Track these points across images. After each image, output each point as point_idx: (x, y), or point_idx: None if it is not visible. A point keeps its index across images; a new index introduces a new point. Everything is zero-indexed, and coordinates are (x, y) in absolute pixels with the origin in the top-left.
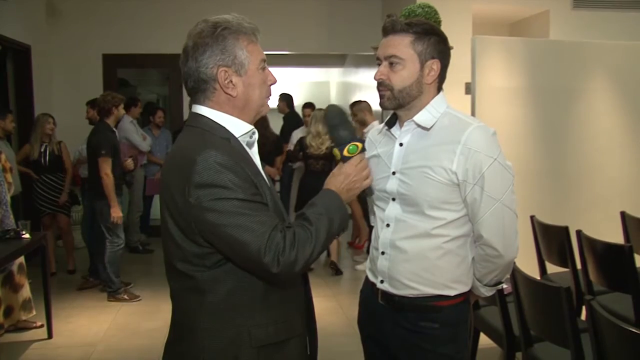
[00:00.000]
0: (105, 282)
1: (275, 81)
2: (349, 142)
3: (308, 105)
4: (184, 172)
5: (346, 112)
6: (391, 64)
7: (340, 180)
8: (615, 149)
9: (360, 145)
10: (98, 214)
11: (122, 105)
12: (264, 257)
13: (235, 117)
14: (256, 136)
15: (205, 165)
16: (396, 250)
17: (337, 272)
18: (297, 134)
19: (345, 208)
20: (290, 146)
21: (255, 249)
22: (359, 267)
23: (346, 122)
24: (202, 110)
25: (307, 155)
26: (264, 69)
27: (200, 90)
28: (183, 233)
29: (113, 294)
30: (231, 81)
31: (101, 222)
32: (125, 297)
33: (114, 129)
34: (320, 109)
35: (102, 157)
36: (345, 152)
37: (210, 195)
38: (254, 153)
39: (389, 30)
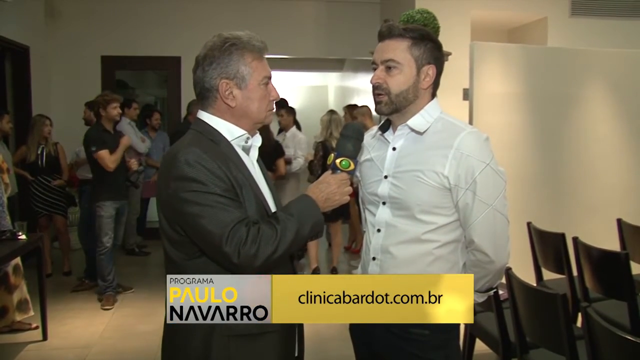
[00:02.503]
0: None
1: (278, 97)
2: (348, 157)
3: (282, 106)
4: (168, 167)
5: (362, 134)
6: (388, 68)
7: (321, 188)
8: (612, 156)
9: (353, 165)
10: (94, 215)
11: (112, 106)
12: (225, 246)
13: (232, 124)
14: (253, 141)
15: (183, 161)
16: (387, 255)
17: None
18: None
19: (319, 214)
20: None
21: (217, 238)
22: (356, 271)
23: (358, 141)
24: (203, 115)
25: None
26: (266, 84)
27: (204, 97)
28: (167, 221)
29: (100, 296)
30: (231, 93)
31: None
32: (113, 296)
33: (110, 129)
34: (332, 111)
35: (95, 152)
36: (337, 162)
37: (185, 187)
38: (252, 157)
39: (385, 35)
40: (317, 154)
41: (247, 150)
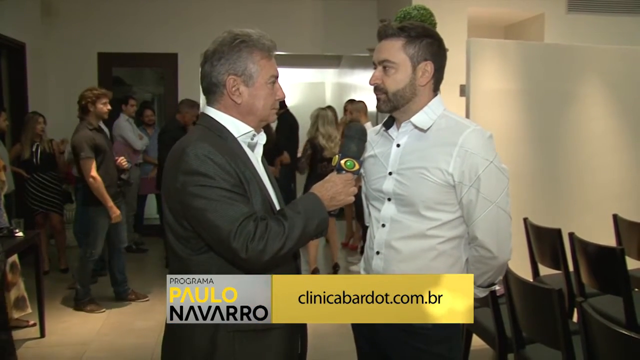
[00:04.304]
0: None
1: (284, 96)
2: (352, 158)
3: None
4: (176, 161)
5: (365, 135)
6: (385, 68)
7: (327, 187)
8: (608, 153)
9: (358, 166)
10: (82, 216)
11: (102, 101)
12: (233, 241)
13: (239, 120)
14: (259, 139)
15: (192, 155)
16: (391, 250)
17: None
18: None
19: (325, 212)
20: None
21: (226, 233)
22: (354, 267)
23: (362, 141)
24: (210, 111)
25: (321, 158)
26: (273, 83)
27: (211, 92)
28: (173, 215)
29: (77, 302)
30: (238, 89)
31: (85, 226)
32: (88, 308)
33: (100, 126)
34: (323, 109)
35: (83, 159)
36: (342, 162)
37: (194, 181)
38: (257, 154)
39: (382, 35)
40: (305, 152)
41: (252, 147)
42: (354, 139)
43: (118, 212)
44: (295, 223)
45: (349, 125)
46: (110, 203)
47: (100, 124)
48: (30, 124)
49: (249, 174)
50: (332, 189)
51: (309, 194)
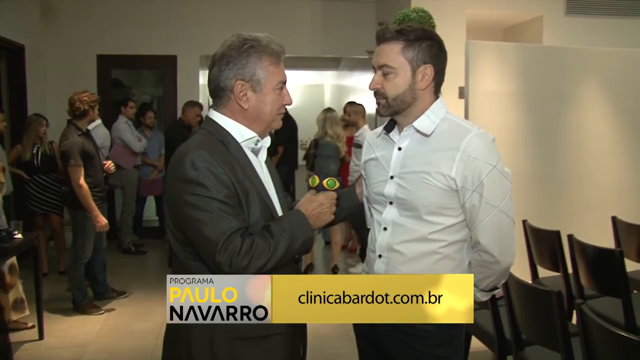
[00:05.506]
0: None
1: (291, 102)
2: (332, 177)
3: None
4: (175, 166)
5: (339, 152)
6: (384, 72)
7: (313, 206)
8: (607, 155)
9: (338, 183)
10: (72, 221)
11: (97, 106)
12: (218, 254)
13: (244, 126)
14: (263, 143)
15: (189, 163)
16: (393, 253)
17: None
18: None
19: (310, 232)
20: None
21: (212, 245)
22: (353, 269)
23: (337, 159)
24: (214, 115)
25: None
26: (281, 89)
27: (218, 96)
28: (172, 220)
29: (75, 305)
30: (245, 94)
31: (73, 230)
32: (87, 310)
33: (86, 130)
34: (330, 109)
35: (72, 166)
36: (324, 183)
37: (188, 190)
38: (261, 159)
39: (380, 38)
40: (309, 150)
41: (256, 152)
42: (331, 158)
43: (104, 221)
44: (280, 241)
45: (322, 145)
46: (96, 211)
47: (98, 126)
48: (33, 126)
49: (248, 182)
50: (318, 209)
51: (296, 212)
